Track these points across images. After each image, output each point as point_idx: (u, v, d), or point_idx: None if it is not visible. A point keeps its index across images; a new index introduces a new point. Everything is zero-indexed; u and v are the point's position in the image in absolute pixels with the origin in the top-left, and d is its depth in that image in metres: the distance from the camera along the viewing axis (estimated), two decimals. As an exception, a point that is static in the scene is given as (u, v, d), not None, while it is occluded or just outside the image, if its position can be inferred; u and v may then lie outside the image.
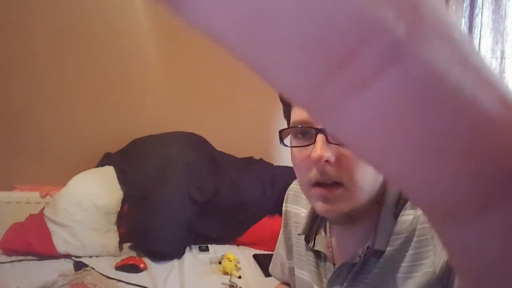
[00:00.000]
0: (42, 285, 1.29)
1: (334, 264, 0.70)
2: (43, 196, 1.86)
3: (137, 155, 1.91)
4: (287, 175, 1.77)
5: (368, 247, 0.62)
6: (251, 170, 1.99)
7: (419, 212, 0.58)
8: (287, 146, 0.63)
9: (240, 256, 1.66)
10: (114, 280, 1.40)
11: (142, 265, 1.51)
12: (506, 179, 0.15)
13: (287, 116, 0.66)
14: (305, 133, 0.60)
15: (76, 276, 1.38)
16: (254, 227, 1.84)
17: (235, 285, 1.44)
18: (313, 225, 0.74)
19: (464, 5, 1.53)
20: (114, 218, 1.71)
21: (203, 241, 1.79)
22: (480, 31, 1.46)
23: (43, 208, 1.69)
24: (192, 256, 1.68)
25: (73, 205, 1.63)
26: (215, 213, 1.83)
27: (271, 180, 1.94)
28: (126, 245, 1.70)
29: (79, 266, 1.44)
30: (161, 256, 1.61)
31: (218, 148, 2.08)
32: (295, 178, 0.67)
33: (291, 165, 0.65)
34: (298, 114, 0.62)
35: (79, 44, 1.95)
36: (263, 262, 1.55)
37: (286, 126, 0.65)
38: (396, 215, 0.61)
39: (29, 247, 1.51)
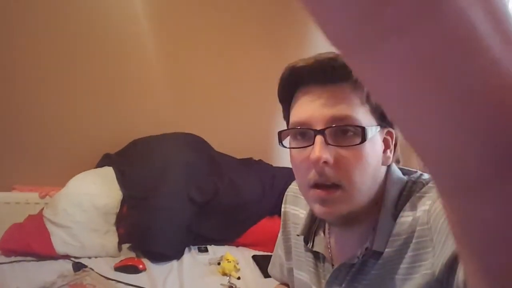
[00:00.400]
0: (41, 286, 1.29)
1: (332, 265, 0.70)
2: (42, 197, 1.86)
3: (137, 155, 1.91)
4: (286, 176, 1.77)
5: (366, 248, 0.62)
6: (251, 171, 1.99)
7: (418, 213, 0.58)
8: (285, 147, 0.64)
9: (239, 257, 1.66)
10: (113, 281, 1.39)
11: (141, 266, 1.51)
12: None
13: (287, 117, 0.67)
14: (304, 134, 0.61)
15: (75, 277, 1.37)
16: (253, 228, 1.84)
17: (234, 286, 1.44)
18: (312, 226, 0.75)
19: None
20: (113, 219, 1.71)
21: (202, 242, 1.79)
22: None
23: (42, 208, 1.69)
24: (191, 257, 1.68)
25: (72, 206, 1.63)
26: (215, 214, 1.83)
27: (271, 181, 1.94)
28: (125, 246, 1.69)
29: (78, 266, 1.44)
30: (160, 256, 1.61)
31: (217, 149, 2.08)
32: (294, 179, 0.67)
33: (290, 166, 0.65)
34: (297, 116, 0.62)
35: (79, 44, 1.95)
36: (262, 263, 1.55)
37: (285, 127, 0.65)
38: (395, 216, 0.61)
39: (28, 248, 1.51)
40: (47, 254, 1.53)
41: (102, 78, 2.01)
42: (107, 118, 2.04)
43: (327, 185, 0.58)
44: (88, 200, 1.66)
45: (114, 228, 1.69)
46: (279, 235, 0.88)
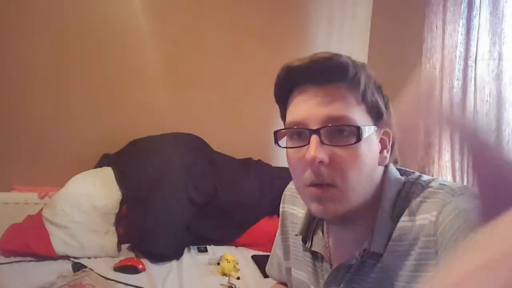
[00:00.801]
0: (41, 286, 1.29)
1: (331, 265, 0.70)
2: (42, 197, 1.86)
3: (136, 156, 1.91)
4: (286, 176, 1.75)
5: (364, 249, 0.62)
6: (250, 171, 1.99)
7: (421, 221, 0.57)
8: (281, 147, 0.64)
9: (239, 257, 1.66)
10: (112, 281, 1.39)
11: (140, 266, 1.51)
12: None
13: (283, 117, 0.67)
14: (300, 134, 0.61)
15: (74, 277, 1.37)
16: (252, 228, 1.84)
17: (233, 286, 1.44)
18: (311, 226, 0.75)
19: (462, 6, 1.54)
20: (112, 219, 1.71)
21: (201, 242, 1.79)
22: (478, 33, 1.46)
23: (41, 209, 1.69)
24: (190, 257, 1.68)
25: (71, 206, 1.63)
26: (214, 214, 1.83)
27: (270, 181, 1.94)
28: (124, 246, 1.69)
29: (78, 267, 1.44)
30: (159, 257, 1.61)
31: (216, 149, 2.08)
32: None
33: (289, 166, 0.65)
34: (293, 115, 0.62)
35: (78, 45, 1.95)
36: (262, 263, 1.55)
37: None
38: (393, 217, 0.61)
39: (27, 248, 1.51)
40: (46, 254, 1.53)
41: (101, 78, 2.01)
42: (106, 118, 2.04)
43: (323, 185, 0.58)
44: (87, 201, 1.66)
45: (113, 229, 1.69)
46: (277, 234, 0.88)
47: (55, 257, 1.54)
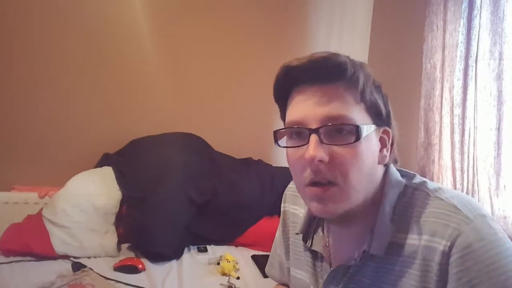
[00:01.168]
0: (40, 286, 1.29)
1: (330, 265, 0.70)
2: (42, 197, 1.86)
3: (136, 155, 1.91)
4: (286, 176, 1.75)
5: (364, 251, 0.62)
6: (250, 171, 1.99)
7: (427, 243, 0.57)
8: (281, 146, 0.64)
9: (239, 257, 1.66)
10: (112, 281, 1.39)
11: (140, 266, 1.51)
12: None
13: (283, 117, 0.67)
14: (299, 133, 0.61)
15: (74, 277, 1.37)
16: (252, 228, 1.84)
17: (233, 286, 1.44)
18: (311, 225, 0.74)
19: (463, 6, 1.54)
20: (112, 218, 1.71)
21: (201, 242, 1.79)
22: (479, 33, 1.46)
23: (41, 208, 1.69)
24: (190, 257, 1.68)
25: (71, 206, 1.63)
26: (214, 214, 1.83)
27: (270, 181, 1.94)
28: (124, 246, 1.69)
29: (77, 266, 1.44)
30: (159, 257, 1.61)
31: (216, 149, 2.08)
32: (293, 178, 0.67)
33: (289, 165, 0.65)
34: (292, 115, 0.62)
35: (78, 45, 1.95)
36: (262, 263, 1.55)
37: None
38: (393, 220, 0.61)
39: (27, 248, 1.51)
40: (46, 254, 1.53)
41: (101, 78, 2.01)
42: (106, 118, 2.04)
43: (323, 183, 0.58)
44: (87, 200, 1.66)
45: (113, 228, 1.69)
46: (278, 234, 0.88)
47: (55, 256, 1.54)
